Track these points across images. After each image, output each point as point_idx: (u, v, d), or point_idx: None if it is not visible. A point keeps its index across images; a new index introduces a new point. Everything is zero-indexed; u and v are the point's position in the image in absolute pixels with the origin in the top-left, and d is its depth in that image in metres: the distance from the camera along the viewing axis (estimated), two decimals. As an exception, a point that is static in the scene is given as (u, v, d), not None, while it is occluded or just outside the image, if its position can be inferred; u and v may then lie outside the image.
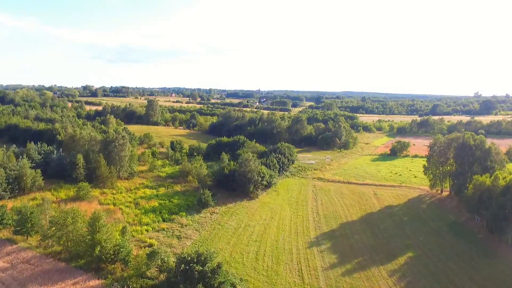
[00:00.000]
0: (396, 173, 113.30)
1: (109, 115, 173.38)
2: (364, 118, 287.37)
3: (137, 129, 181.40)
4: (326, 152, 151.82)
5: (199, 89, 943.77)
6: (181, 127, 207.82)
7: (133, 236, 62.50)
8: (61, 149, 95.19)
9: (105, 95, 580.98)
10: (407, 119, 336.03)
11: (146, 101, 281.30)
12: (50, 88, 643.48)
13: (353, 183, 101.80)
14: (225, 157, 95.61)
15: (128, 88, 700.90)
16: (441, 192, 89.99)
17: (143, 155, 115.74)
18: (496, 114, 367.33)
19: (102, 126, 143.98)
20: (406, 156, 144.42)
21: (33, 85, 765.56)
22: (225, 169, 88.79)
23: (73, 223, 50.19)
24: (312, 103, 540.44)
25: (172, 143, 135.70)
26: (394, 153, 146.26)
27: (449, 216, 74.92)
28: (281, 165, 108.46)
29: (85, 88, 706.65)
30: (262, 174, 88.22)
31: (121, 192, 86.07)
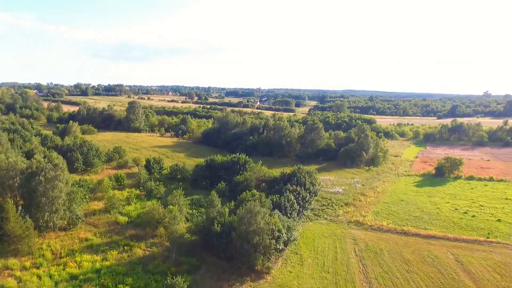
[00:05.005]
0: (465, 212, 78.32)
1: (71, 121, 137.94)
2: (379, 121, 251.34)
3: (111, 138, 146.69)
4: (351, 170, 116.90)
5: (198, 88, 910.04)
6: (168, 134, 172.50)
7: None
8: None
9: (96, 94, 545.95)
10: (425, 121, 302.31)
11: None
12: (38, 86, 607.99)
13: (412, 234, 66.84)
14: (216, 199, 60.14)
15: (122, 86, 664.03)
16: None
17: (100, 184, 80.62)
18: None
19: (55, 138, 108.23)
20: (458, 177, 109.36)
21: (29, 83, 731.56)
22: (216, 225, 53.59)
23: None
24: (315, 103, 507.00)
25: (148, 161, 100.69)
26: (441, 173, 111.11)
27: None
28: (301, 202, 73.55)
29: (76, 86, 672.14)
30: (277, 233, 53.09)
31: (39, 266, 51.03)
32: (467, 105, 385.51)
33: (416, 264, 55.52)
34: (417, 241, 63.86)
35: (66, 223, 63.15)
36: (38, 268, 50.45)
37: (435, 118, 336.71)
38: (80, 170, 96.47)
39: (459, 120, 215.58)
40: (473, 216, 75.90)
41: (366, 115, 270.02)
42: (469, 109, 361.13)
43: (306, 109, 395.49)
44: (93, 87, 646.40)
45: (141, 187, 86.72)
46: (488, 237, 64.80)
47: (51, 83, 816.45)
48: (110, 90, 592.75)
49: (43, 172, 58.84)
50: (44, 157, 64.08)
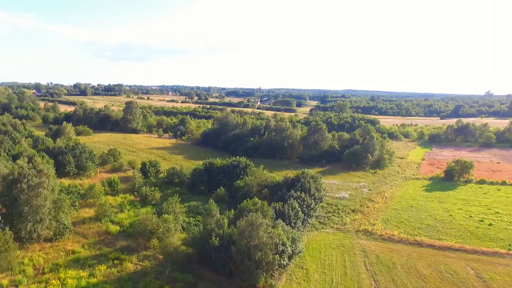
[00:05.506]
0: (480, 220, 73.31)
1: (65, 122, 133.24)
2: (382, 122, 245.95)
3: (107, 140, 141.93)
4: (356, 174, 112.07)
5: (198, 87, 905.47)
6: (166, 135, 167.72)
7: None
8: None
9: (95, 94, 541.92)
10: (428, 121, 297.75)
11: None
12: (37, 86, 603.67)
13: (425, 245, 61.88)
14: (214, 208, 55.30)
15: (121, 86, 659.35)
16: None
17: (91, 189, 75.77)
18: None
19: (47, 140, 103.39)
20: (469, 181, 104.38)
21: (29, 83, 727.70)
22: (214, 237, 48.71)
23: None
24: (316, 102, 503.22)
25: (143, 165, 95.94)
26: (451, 177, 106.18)
27: None
28: (306, 210, 68.65)
29: (75, 86, 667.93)
30: (281, 247, 48.19)
31: (18, 284, 46.15)
32: (471, 105, 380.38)
33: (433, 280, 50.59)
34: (432, 253, 58.92)
35: (52, 234, 58.27)
36: (16, 286, 45.61)
37: (438, 118, 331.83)
38: (72, 174, 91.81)
39: (464, 120, 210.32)
40: (490, 224, 70.93)
41: (368, 115, 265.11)
42: (472, 109, 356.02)
43: (307, 109, 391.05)
44: (92, 87, 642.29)
45: (135, 192, 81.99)
46: (510, 249, 59.81)
47: (51, 83, 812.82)
48: (109, 90, 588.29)
49: (26, 179, 53.99)
50: (29, 162, 59.15)
